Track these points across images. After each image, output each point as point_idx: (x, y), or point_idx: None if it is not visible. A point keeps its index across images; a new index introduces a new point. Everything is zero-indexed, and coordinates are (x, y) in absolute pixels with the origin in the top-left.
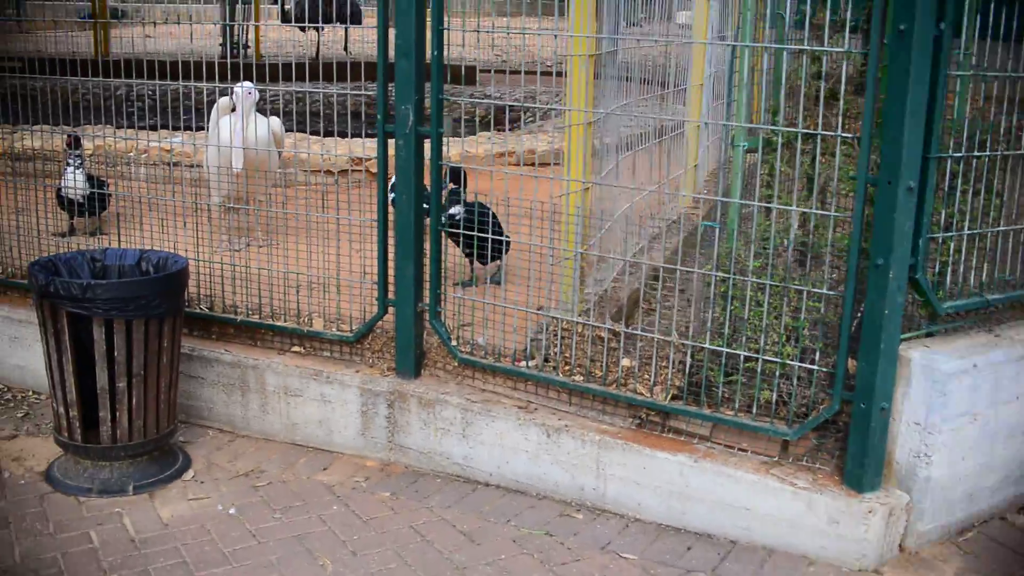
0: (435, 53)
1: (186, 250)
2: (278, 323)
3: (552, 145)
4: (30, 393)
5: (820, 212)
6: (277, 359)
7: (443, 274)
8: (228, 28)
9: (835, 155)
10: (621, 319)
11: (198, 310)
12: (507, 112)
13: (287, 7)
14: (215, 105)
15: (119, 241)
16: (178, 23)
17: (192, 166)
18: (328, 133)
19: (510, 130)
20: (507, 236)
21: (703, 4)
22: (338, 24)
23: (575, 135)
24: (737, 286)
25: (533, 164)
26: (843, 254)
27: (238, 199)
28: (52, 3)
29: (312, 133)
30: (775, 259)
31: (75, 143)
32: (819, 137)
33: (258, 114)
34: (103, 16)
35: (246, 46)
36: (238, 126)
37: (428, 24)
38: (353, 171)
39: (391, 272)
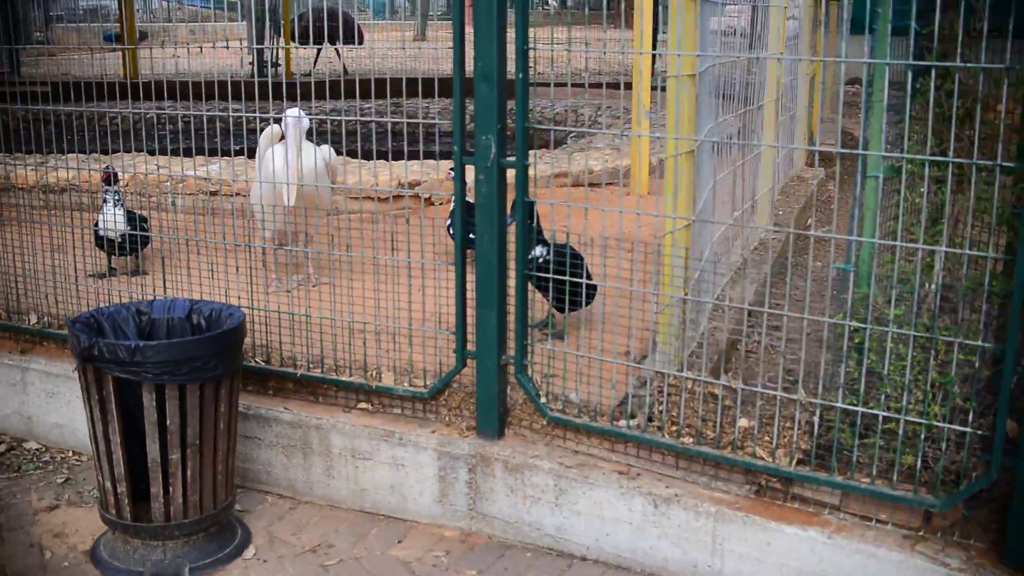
0: (520, 75)
1: (238, 297)
2: (343, 378)
3: (606, 164)
4: (70, 454)
5: (974, 253)
6: (343, 418)
7: (529, 323)
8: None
9: (993, 185)
10: (730, 371)
11: (253, 363)
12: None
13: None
14: (262, 135)
15: (163, 285)
16: (210, 46)
17: (233, 195)
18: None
19: (557, 147)
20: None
21: (776, 12)
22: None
23: (675, 165)
24: (874, 337)
25: (595, 185)
26: (1002, 300)
27: (287, 235)
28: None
29: (350, 154)
30: (919, 306)
31: (112, 179)
32: (974, 166)
33: (308, 142)
34: (131, 38)
35: (276, 64)
36: (289, 157)
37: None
38: (402, 196)
39: (470, 320)
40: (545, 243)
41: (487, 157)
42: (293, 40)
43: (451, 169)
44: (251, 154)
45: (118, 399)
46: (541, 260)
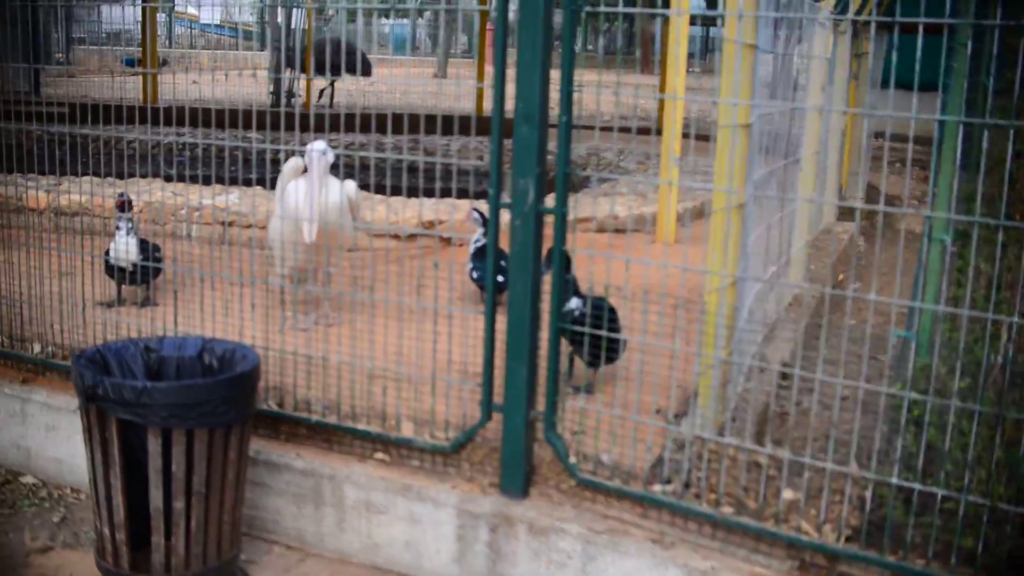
0: (563, 118)
1: (253, 336)
2: (359, 426)
3: (632, 210)
4: (68, 491)
5: None
6: (358, 468)
7: (560, 378)
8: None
9: None
10: (774, 438)
11: (265, 406)
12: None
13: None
14: (285, 167)
15: (175, 319)
16: (234, 74)
17: (250, 226)
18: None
19: (578, 190)
20: (624, 335)
21: (817, 63)
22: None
23: (723, 220)
24: (935, 410)
25: (620, 231)
26: None
27: (306, 272)
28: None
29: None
30: (985, 379)
31: (126, 206)
32: None
33: (332, 177)
34: (153, 63)
35: (295, 95)
36: (311, 192)
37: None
38: (422, 235)
39: (497, 371)
40: (581, 295)
41: (525, 203)
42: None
43: (473, 209)
44: (270, 185)
45: (121, 441)
46: (577, 313)
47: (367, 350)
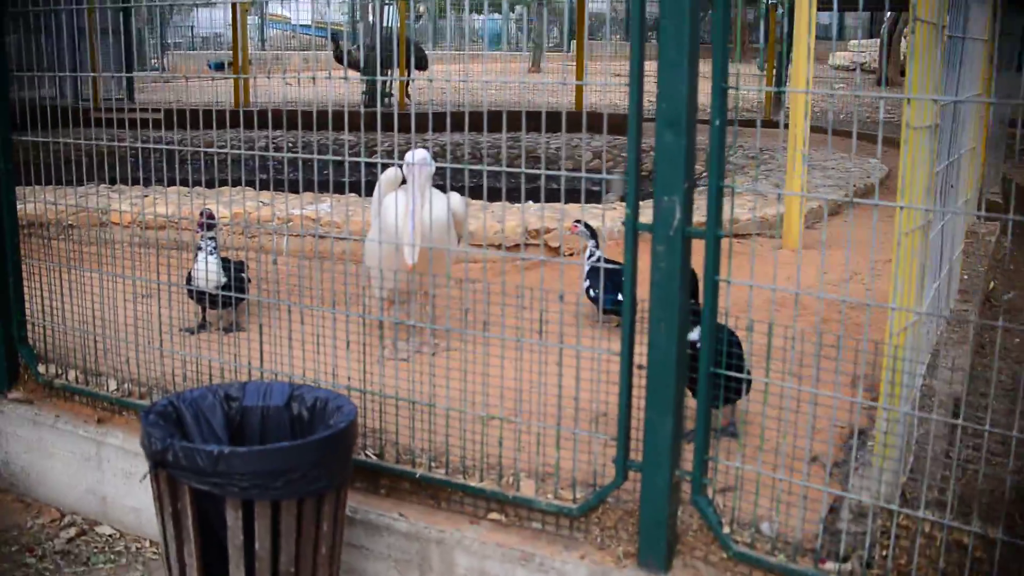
0: (716, 121)
1: (348, 379)
2: (472, 483)
3: (754, 212)
4: (147, 544)
5: None
6: (470, 532)
7: (712, 430)
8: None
9: None
10: (981, 511)
11: (363, 456)
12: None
13: (343, 47)
14: (381, 179)
15: (260, 351)
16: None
17: (342, 238)
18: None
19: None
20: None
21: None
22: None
23: (911, 245)
24: None
25: (741, 236)
26: None
27: (406, 295)
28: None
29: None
30: None
31: (208, 223)
32: None
33: (435, 189)
34: (245, 65)
35: (389, 95)
36: (412, 208)
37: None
38: (527, 244)
39: (634, 420)
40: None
41: (670, 224)
42: (359, 69)
43: (576, 221)
44: (366, 190)
45: (196, 513)
46: (700, 344)
47: (478, 389)
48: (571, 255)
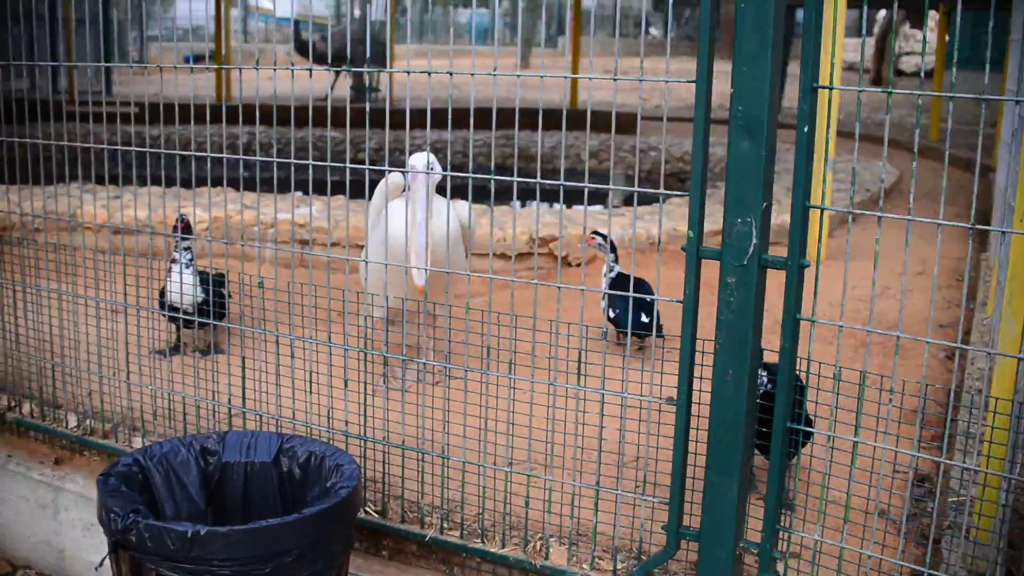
0: (804, 128)
1: (346, 421)
2: (491, 548)
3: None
4: None
5: None
6: None
7: (785, 494)
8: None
9: None
10: None
11: (362, 513)
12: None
13: (305, 37)
14: (378, 188)
15: (243, 387)
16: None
17: (332, 244)
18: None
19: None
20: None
21: None
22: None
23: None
24: None
25: None
26: None
27: (409, 313)
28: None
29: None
30: None
31: (185, 230)
32: None
33: (439, 197)
34: (228, 57)
35: (375, 89)
36: (418, 221)
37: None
38: (534, 254)
39: (681, 476)
40: (764, 363)
41: (743, 251)
42: (325, 62)
43: (595, 233)
44: (353, 194)
45: None
46: (762, 389)
47: (498, 429)
48: (577, 265)
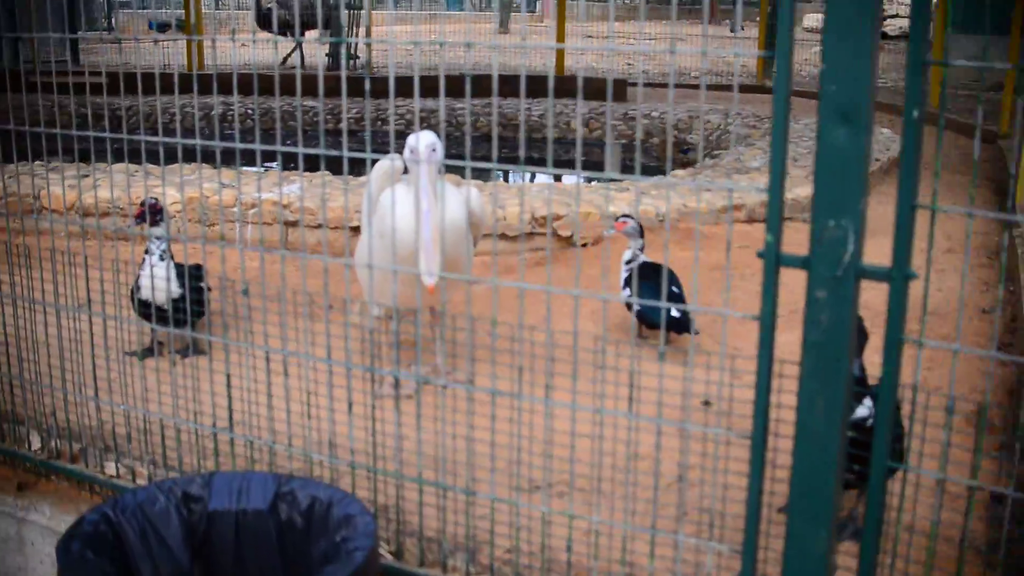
0: (913, 112)
1: (352, 450)
2: None
3: (792, 192)
4: None
5: None
6: None
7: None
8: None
9: None
10: None
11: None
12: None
13: (264, 5)
14: (374, 171)
15: (229, 408)
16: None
17: (316, 227)
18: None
19: (688, 166)
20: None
21: None
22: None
23: None
24: None
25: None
26: None
27: (409, 310)
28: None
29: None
30: None
31: (155, 216)
32: None
33: (447, 183)
34: (199, 25)
35: (355, 57)
36: (426, 210)
37: None
38: (534, 234)
39: (756, 523)
40: (869, 389)
41: (837, 260)
42: (270, 28)
43: (625, 216)
44: (330, 166)
45: None
46: (869, 422)
47: (532, 452)
48: (584, 245)
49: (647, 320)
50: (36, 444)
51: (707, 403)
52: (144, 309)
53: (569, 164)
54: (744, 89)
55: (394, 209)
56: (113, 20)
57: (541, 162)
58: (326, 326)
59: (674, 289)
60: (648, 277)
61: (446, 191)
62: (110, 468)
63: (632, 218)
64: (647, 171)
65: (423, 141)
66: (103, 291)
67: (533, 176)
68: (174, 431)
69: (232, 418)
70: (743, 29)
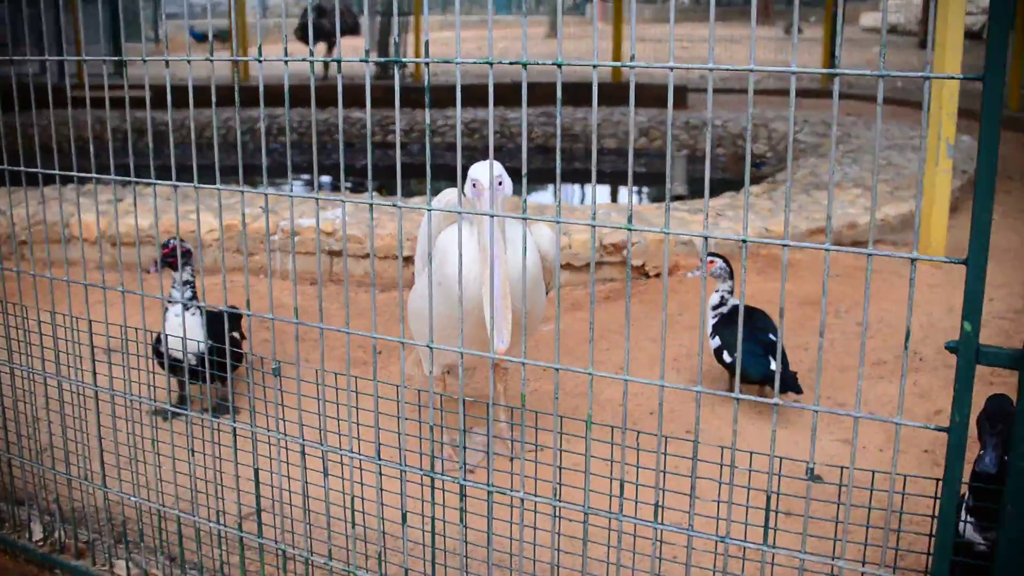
0: None
1: (405, 557)
2: None
3: (874, 213)
4: None
5: None
6: None
7: None
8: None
9: None
10: None
11: None
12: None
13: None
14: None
15: (256, 497)
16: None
17: (363, 256)
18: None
19: (757, 183)
20: None
21: None
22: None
23: None
24: None
25: (860, 243)
26: None
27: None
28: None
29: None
30: None
31: (180, 259)
32: None
33: (513, 221)
34: (242, 35)
35: (403, 65)
36: (493, 258)
37: None
38: (603, 263)
39: None
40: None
41: None
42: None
43: (713, 255)
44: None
45: None
46: (994, 470)
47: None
48: (657, 276)
49: (744, 374)
50: (38, 534)
51: (814, 476)
52: (171, 365)
53: (613, 176)
54: (807, 94)
55: (458, 255)
56: (160, 31)
57: (600, 175)
58: (375, 408)
59: (771, 337)
60: (735, 323)
61: (513, 232)
62: (120, 567)
63: (721, 257)
64: (717, 187)
65: (486, 172)
66: (120, 342)
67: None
68: (193, 531)
69: (260, 517)
70: (801, 32)
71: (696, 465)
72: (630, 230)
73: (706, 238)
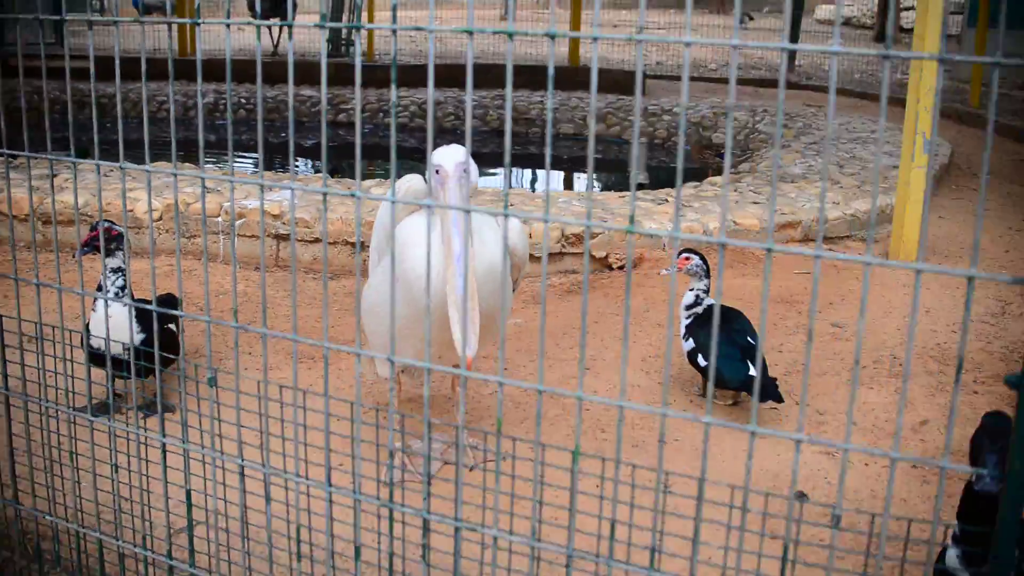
0: None
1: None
2: None
3: (843, 208)
4: None
5: None
6: None
7: None
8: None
9: None
10: None
11: None
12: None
13: None
14: (388, 200)
15: (187, 513)
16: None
17: (312, 241)
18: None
19: (719, 174)
20: None
21: None
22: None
23: None
24: None
25: (830, 240)
26: None
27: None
28: None
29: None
30: None
31: (111, 242)
32: None
33: (482, 215)
34: (190, 8)
35: (353, 43)
36: (454, 250)
37: None
38: (565, 254)
39: None
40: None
41: None
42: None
43: (688, 252)
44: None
45: None
46: (995, 489)
47: None
48: (621, 268)
49: (720, 380)
50: None
51: (801, 495)
52: (97, 358)
53: (584, 162)
54: (767, 84)
55: (415, 249)
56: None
57: (556, 161)
58: (325, 428)
59: (750, 340)
60: (707, 324)
61: (483, 226)
62: None
63: (697, 254)
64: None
65: (451, 158)
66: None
67: (533, 184)
68: (115, 554)
69: (193, 544)
70: (751, 19)
71: (701, 508)
72: (630, 231)
73: (676, 237)
